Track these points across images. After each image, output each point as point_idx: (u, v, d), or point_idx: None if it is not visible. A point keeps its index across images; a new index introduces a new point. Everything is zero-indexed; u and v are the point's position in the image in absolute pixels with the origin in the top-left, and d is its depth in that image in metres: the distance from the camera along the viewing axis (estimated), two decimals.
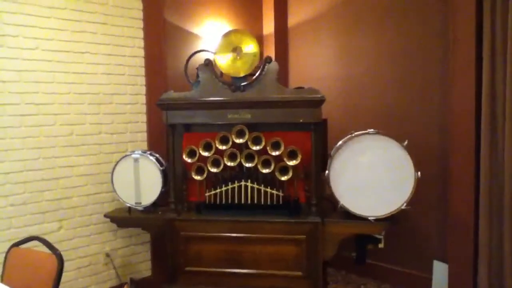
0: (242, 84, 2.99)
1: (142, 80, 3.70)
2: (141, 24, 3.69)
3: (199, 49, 3.57)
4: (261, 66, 2.99)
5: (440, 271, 3.51)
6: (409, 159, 2.87)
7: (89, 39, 3.40)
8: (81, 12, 3.34)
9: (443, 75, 3.44)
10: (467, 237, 3.22)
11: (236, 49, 3.01)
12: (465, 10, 3.13)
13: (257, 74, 2.99)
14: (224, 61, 3.02)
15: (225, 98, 3.00)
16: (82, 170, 3.41)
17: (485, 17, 3.01)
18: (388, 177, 2.91)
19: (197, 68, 3.08)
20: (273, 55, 4.50)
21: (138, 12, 3.66)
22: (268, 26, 4.57)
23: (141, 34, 3.69)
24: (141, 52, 3.70)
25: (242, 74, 2.99)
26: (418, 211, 3.57)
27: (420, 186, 3.31)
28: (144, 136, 3.74)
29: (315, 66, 4.36)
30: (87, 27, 3.39)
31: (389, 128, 3.64)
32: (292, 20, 4.55)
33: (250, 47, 3.02)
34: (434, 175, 3.50)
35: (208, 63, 3.03)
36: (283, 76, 4.56)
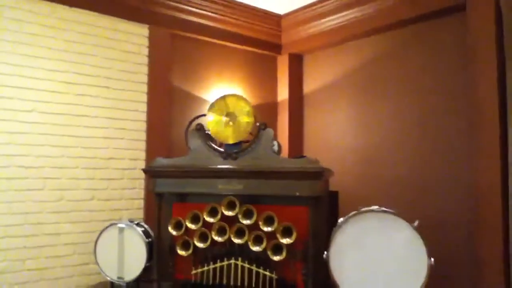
0: (235, 151, 2.76)
1: (142, 145, 3.56)
2: (145, 88, 3.60)
3: None
4: (256, 133, 2.76)
5: None
6: (420, 242, 2.46)
7: (89, 103, 3.33)
8: (83, 75, 3.30)
9: (466, 147, 3.09)
10: None
11: (229, 114, 2.81)
12: (487, 80, 2.85)
13: (251, 141, 2.75)
14: (215, 125, 2.82)
15: (215, 167, 2.76)
16: (70, 238, 3.21)
17: (509, 87, 2.70)
18: (396, 262, 2.50)
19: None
20: (287, 123, 4.31)
21: (143, 77, 3.60)
22: (283, 93, 4.41)
23: (145, 98, 3.60)
24: (144, 117, 3.58)
25: (232, 141, 2.76)
26: None
27: (445, 272, 2.91)
28: (141, 203, 3.54)
29: (331, 134, 4.11)
30: (88, 91, 3.33)
31: (407, 203, 3.31)
32: (308, 87, 4.38)
33: (245, 112, 2.81)
34: (460, 261, 3.04)
35: (200, 128, 2.84)
36: (297, 144, 4.32)
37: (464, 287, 3.06)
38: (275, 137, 2.89)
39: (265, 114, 4.25)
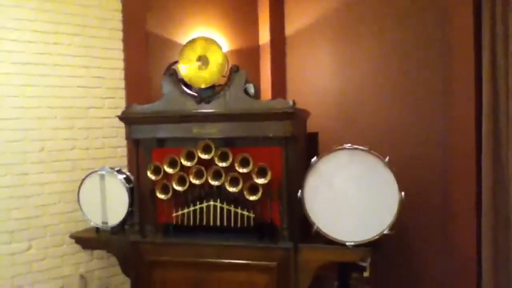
0: (208, 95, 2.75)
1: (121, 93, 3.54)
2: (121, 35, 3.54)
3: None
4: (228, 76, 2.74)
5: None
6: (392, 177, 2.52)
7: (62, 51, 3.28)
8: (55, 23, 3.23)
9: (443, 90, 3.08)
10: (468, 267, 2.83)
11: (201, 58, 2.78)
12: (463, 23, 2.82)
13: (223, 84, 2.74)
14: (187, 71, 2.79)
15: (189, 111, 2.77)
16: (55, 188, 3.27)
17: (484, 29, 2.66)
18: (368, 198, 2.57)
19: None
20: (269, 66, 4.25)
21: (117, 23, 3.53)
22: (264, 36, 4.32)
23: (121, 45, 3.54)
24: (121, 64, 3.54)
25: (205, 85, 2.75)
26: (417, 240, 3.23)
27: (419, 212, 2.98)
28: (124, 151, 3.57)
29: (314, 77, 4.07)
30: (61, 39, 3.27)
31: (388, 143, 3.34)
32: (289, 29, 4.28)
33: (217, 55, 2.77)
34: (434, 200, 3.12)
35: (172, 73, 2.82)
36: (280, 87, 4.29)
37: (435, 223, 3.15)
38: (251, 80, 2.86)
39: (247, 58, 4.19)
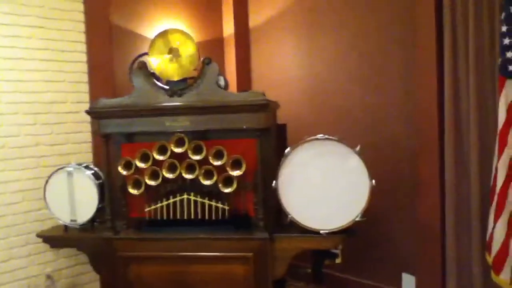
0: (180, 88, 2.73)
1: (85, 87, 3.45)
2: (83, 27, 3.43)
3: None
4: (201, 68, 2.73)
5: (409, 284, 3.25)
6: (362, 165, 2.60)
7: (23, 44, 3.14)
8: (14, 15, 3.09)
9: (406, 74, 3.20)
10: (434, 248, 2.98)
11: (172, 50, 2.75)
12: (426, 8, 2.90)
13: (195, 77, 2.73)
14: (158, 63, 2.76)
15: (161, 104, 2.74)
16: (18, 186, 3.15)
17: (445, 13, 2.77)
18: (340, 186, 2.65)
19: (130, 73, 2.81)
20: (234, 58, 4.26)
21: (79, 15, 3.42)
22: (228, 28, 4.32)
23: (83, 38, 3.44)
24: (84, 57, 3.44)
25: (177, 78, 2.72)
26: (385, 222, 3.35)
27: (388, 194, 3.08)
28: (88, 147, 3.48)
29: (278, 68, 4.12)
30: (20, 32, 3.13)
31: (356, 130, 3.44)
32: (253, 20, 4.30)
33: (188, 47, 2.75)
34: (402, 182, 3.25)
35: (142, 66, 2.77)
36: (245, 79, 4.31)
37: (404, 204, 3.28)
38: (221, 73, 2.86)
39: (211, 50, 4.17)
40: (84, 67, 3.44)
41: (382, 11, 3.34)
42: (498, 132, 2.32)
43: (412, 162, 3.15)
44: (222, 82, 2.88)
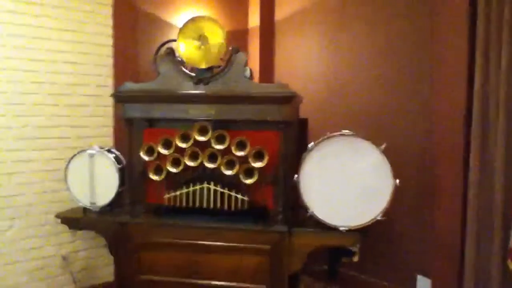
0: (206, 76, 2.71)
1: (108, 71, 3.44)
2: (110, 10, 3.43)
3: None
4: (228, 57, 2.71)
5: (424, 286, 3.21)
6: (387, 164, 2.57)
7: (49, 24, 3.15)
8: None
9: (432, 74, 3.14)
10: (452, 252, 2.92)
11: (201, 37, 2.73)
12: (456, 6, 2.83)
13: (222, 66, 2.70)
14: (186, 50, 2.74)
15: (186, 92, 2.72)
16: (39, 166, 3.16)
17: (479, 12, 2.70)
18: (363, 184, 2.61)
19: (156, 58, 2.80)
20: (258, 50, 4.23)
21: None
22: (254, 19, 4.29)
23: (110, 21, 3.43)
24: (110, 41, 3.44)
25: (204, 65, 2.70)
26: (401, 222, 3.31)
27: (405, 194, 3.04)
28: (109, 131, 3.48)
29: (302, 62, 4.07)
30: (48, 11, 3.14)
31: (374, 129, 3.39)
32: (279, 14, 4.26)
33: (217, 36, 2.73)
34: (420, 183, 3.20)
35: (170, 53, 2.76)
36: (268, 72, 4.28)
37: (422, 207, 3.24)
38: (246, 63, 2.83)
39: (235, 40, 4.13)
40: (109, 51, 3.43)
41: (409, 13, 3.28)
42: None
43: (432, 164, 3.10)
44: (247, 73, 2.86)
